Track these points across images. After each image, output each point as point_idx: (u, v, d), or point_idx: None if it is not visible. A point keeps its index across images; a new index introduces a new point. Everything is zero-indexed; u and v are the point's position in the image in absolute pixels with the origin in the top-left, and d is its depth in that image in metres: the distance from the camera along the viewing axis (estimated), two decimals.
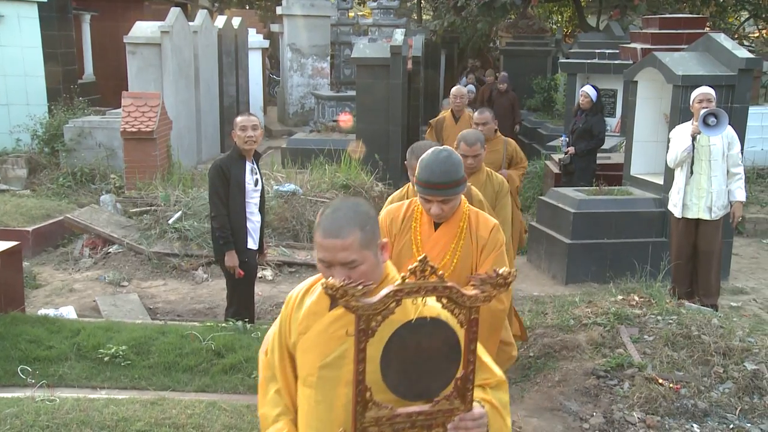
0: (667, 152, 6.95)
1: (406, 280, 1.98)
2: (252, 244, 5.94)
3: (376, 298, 1.96)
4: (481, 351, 2.29)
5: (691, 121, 6.63)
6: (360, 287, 1.94)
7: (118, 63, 16.10)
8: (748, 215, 9.99)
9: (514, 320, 5.09)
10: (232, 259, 5.78)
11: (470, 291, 2.04)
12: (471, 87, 13.07)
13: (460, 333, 2.08)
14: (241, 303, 6.05)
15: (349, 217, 2.17)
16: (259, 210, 6.05)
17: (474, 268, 3.37)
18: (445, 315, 2.07)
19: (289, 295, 2.44)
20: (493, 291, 2.05)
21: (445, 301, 2.03)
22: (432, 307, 2.12)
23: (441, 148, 3.30)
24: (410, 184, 4.20)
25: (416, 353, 2.03)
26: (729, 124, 6.50)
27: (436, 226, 3.40)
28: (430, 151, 3.28)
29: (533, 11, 20.28)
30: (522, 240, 7.27)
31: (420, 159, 3.28)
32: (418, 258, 1.99)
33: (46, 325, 5.94)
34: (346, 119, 14.56)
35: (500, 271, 2.05)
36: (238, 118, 5.81)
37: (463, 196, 3.43)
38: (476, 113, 6.86)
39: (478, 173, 4.89)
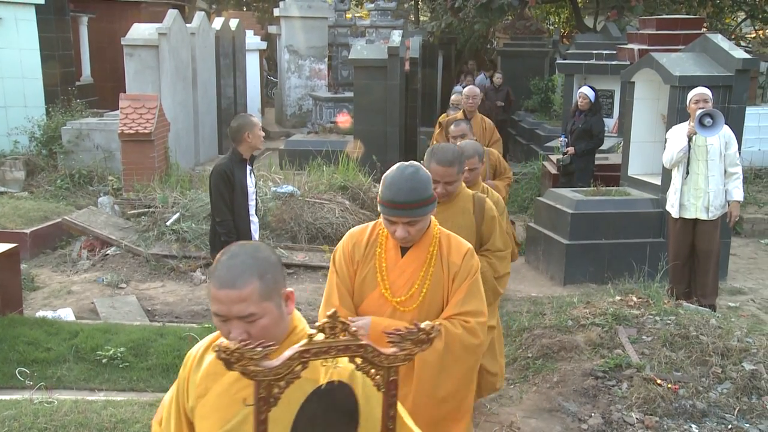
0: (663, 153, 6.97)
1: (314, 339, 1.73)
2: None
3: (278, 362, 1.71)
4: (404, 414, 2.08)
5: (687, 121, 6.64)
6: (259, 349, 1.68)
7: (115, 65, 16.12)
8: (745, 215, 10.00)
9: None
10: None
11: (388, 349, 1.80)
12: (459, 88, 13.01)
13: (376, 397, 1.87)
14: None
15: (247, 265, 1.91)
16: (257, 210, 6.11)
17: (445, 299, 3.03)
18: (359, 378, 1.87)
19: (188, 354, 2.18)
20: (415, 348, 1.82)
21: (359, 361, 1.80)
22: (343, 368, 1.90)
23: (407, 163, 2.94)
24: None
25: (324, 422, 1.86)
26: (726, 124, 6.51)
27: (403, 251, 3.03)
28: (395, 167, 2.94)
29: (530, 12, 20.29)
30: (515, 254, 7.19)
31: (384, 176, 2.94)
32: (327, 314, 1.74)
33: (45, 327, 5.94)
34: (344, 119, 14.58)
35: (422, 326, 1.82)
36: (255, 119, 5.85)
37: (433, 218, 3.07)
38: (452, 126, 6.50)
39: (473, 188, 4.67)
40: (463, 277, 3.00)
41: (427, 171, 3.00)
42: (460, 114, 8.57)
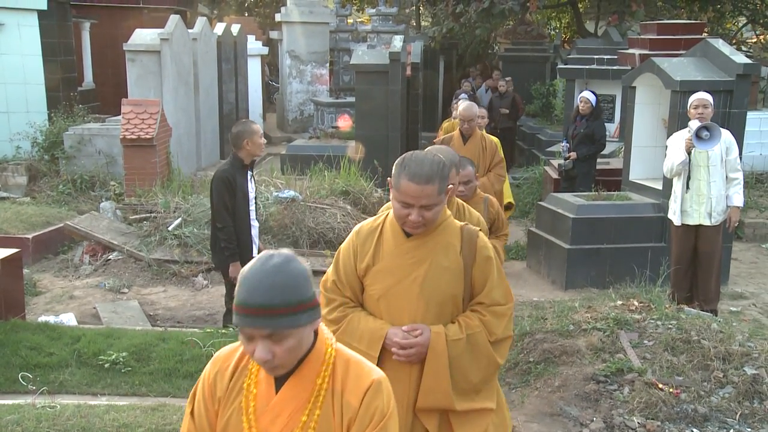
0: (664, 159, 6.97)
1: None
2: (255, 251, 5.99)
3: None
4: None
5: (687, 128, 6.65)
6: None
7: (117, 70, 16.13)
8: (747, 220, 10.00)
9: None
10: (236, 270, 5.80)
11: None
12: (463, 95, 12.91)
13: None
14: None
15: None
16: (256, 216, 6.14)
17: None
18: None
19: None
20: None
21: None
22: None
23: (274, 252, 1.97)
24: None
25: None
26: (727, 129, 6.52)
27: (279, 384, 2.04)
28: (261, 255, 1.99)
29: (532, 17, 20.32)
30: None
31: (241, 272, 1.98)
32: None
33: (47, 332, 5.94)
34: (345, 123, 14.60)
35: None
36: (256, 126, 5.86)
37: (325, 331, 2.10)
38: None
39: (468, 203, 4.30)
40: (363, 427, 1.99)
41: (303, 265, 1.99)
42: (456, 133, 7.58)
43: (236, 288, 1.93)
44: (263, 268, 1.91)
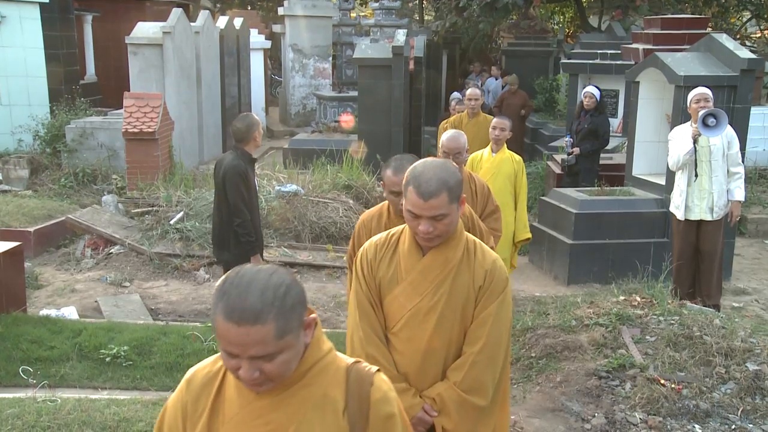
0: (667, 154, 6.94)
1: None
2: None
3: None
4: None
5: (689, 122, 6.61)
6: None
7: (119, 63, 16.13)
8: (750, 215, 9.98)
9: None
10: (257, 262, 5.77)
11: None
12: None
13: None
14: None
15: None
16: None
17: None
18: None
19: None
20: None
21: None
22: None
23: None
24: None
25: None
26: (731, 124, 6.48)
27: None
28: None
29: (535, 12, 20.26)
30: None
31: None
32: None
33: (48, 326, 5.95)
34: (347, 119, 14.57)
35: None
36: (257, 117, 5.89)
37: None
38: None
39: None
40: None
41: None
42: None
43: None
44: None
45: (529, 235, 6.76)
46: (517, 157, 6.77)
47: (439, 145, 4.86)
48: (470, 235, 2.83)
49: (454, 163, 3.18)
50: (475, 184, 5.04)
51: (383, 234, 2.91)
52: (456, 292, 2.73)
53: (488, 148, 6.78)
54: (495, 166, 6.63)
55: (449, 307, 2.73)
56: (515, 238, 6.58)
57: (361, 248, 2.90)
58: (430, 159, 2.72)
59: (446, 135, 4.94)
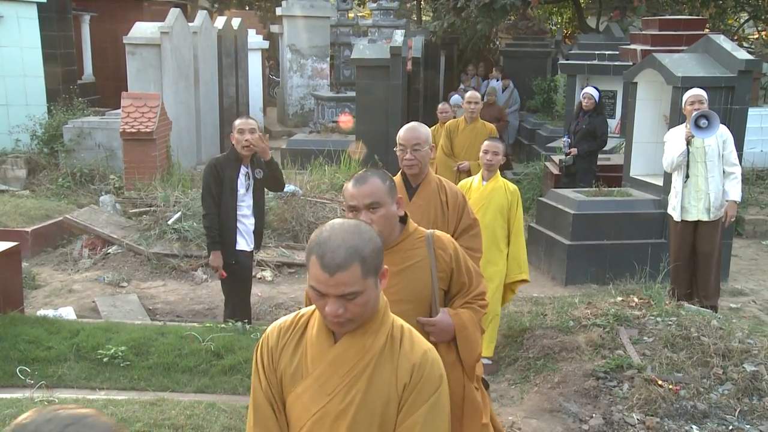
0: (663, 156, 6.96)
1: None
2: (245, 245, 5.91)
3: None
4: None
5: (684, 123, 6.63)
6: None
7: (117, 64, 16.12)
8: (747, 216, 9.99)
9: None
10: (216, 258, 5.79)
11: None
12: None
13: None
14: (237, 303, 6.05)
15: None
16: (258, 212, 6.03)
17: None
18: None
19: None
20: None
21: None
22: None
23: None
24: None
25: None
26: (725, 124, 6.50)
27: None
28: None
29: (533, 12, 20.28)
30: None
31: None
32: None
33: (45, 326, 5.93)
34: (345, 120, 14.58)
35: None
36: (237, 121, 5.78)
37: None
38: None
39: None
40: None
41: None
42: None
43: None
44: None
45: (526, 276, 5.81)
46: (512, 187, 5.79)
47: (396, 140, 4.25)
48: (398, 319, 2.23)
49: (373, 225, 2.60)
50: (446, 194, 4.07)
51: (290, 316, 2.31)
52: (374, 392, 2.11)
53: (479, 176, 5.84)
54: (485, 197, 5.68)
55: (364, 411, 2.10)
56: (507, 278, 5.72)
57: (264, 333, 2.31)
58: (339, 221, 2.10)
59: (404, 127, 4.31)
